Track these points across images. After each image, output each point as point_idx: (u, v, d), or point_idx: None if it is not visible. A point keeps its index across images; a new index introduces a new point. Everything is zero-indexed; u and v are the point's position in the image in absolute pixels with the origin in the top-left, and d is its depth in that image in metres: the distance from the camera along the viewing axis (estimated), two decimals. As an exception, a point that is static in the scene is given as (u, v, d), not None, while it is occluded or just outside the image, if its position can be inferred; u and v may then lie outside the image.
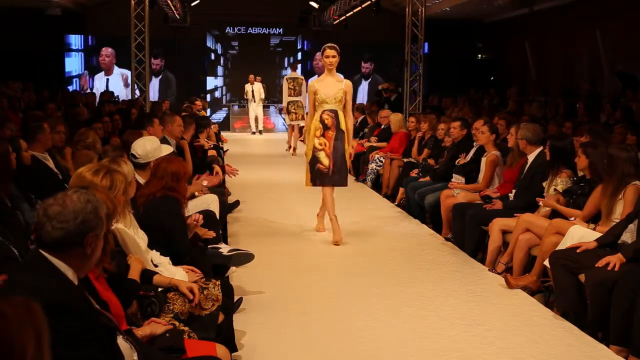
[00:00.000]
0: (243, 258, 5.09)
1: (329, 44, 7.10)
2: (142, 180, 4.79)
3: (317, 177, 7.05)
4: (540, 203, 5.89)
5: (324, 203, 7.21)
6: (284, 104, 15.03)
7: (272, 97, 21.35)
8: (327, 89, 6.98)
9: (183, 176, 4.51)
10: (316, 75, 18.54)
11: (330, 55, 6.98)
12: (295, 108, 14.89)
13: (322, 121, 6.98)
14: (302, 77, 15.49)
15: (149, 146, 5.08)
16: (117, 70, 21.77)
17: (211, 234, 5.10)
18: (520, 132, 6.45)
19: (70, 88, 20.70)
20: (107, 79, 21.86)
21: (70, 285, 2.37)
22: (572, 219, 5.39)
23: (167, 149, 5.30)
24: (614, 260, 4.47)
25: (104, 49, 21.74)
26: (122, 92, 20.66)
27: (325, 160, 6.99)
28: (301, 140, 18.09)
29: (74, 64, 22.02)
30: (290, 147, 15.37)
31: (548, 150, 5.95)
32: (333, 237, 6.89)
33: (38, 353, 1.64)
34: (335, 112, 6.97)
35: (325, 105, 6.96)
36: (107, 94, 17.71)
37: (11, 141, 5.00)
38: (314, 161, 7.03)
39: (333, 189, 7.10)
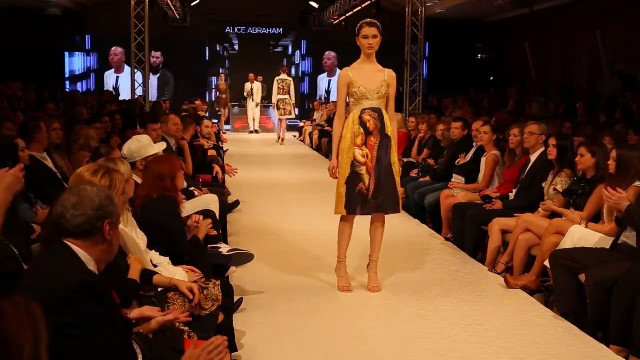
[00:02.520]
0: (243, 258, 5.09)
1: (368, 20, 5.29)
2: (139, 180, 4.80)
3: (358, 201, 5.23)
4: (541, 210, 5.87)
5: (340, 241, 5.43)
6: (274, 100, 17.51)
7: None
8: (366, 80, 5.24)
9: (168, 174, 4.43)
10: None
11: (370, 34, 5.18)
12: (284, 105, 17.26)
13: (362, 123, 5.20)
14: (291, 79, 17.89)
15: (133, 146, 5.14)
16: (127, 69, 21.78)
17: (214, 231, 5.12)
18: (539, 128, 6.41)
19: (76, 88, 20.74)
20: (118, 77, 21.93)
21: (93, 273, 2.47)
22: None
23: (158, 147, 5.30)
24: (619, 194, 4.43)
25: (113, 48, 21.78)
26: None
27: (366, 178, 5.23)
28: (300, 139, 18.32)
29: (78, 63, 22.06)
30: (279, 138, 17.38)
31: (555, 149, 5.92)
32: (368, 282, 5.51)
33: (35, 354, 1.64)
34: (378, 111, 5.23)
35: (364, 102, 5.22)
36: (108, 94, 17.69)
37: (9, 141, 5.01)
38: (354, 180, 5.22)
39: (380, 219, 5.39)
